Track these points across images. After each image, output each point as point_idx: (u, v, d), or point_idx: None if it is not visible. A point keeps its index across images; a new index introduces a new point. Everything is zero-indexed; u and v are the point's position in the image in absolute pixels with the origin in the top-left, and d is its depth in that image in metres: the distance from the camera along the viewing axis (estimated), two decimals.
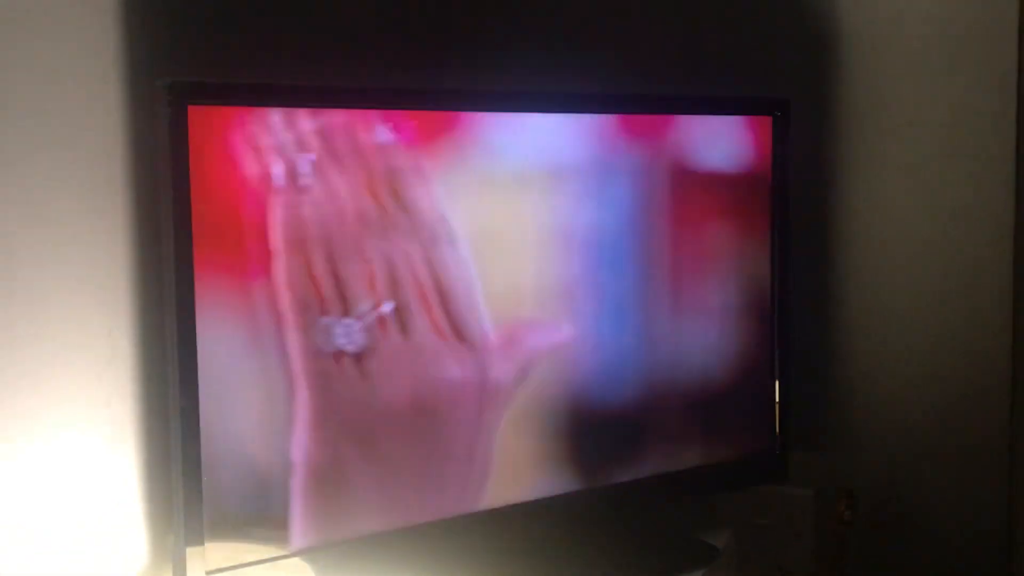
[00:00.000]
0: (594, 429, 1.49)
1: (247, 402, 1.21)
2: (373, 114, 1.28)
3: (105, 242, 1.19)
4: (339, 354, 1.26)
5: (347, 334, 1.26)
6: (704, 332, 1.59)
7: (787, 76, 1.76)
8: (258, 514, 1.23)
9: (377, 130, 1.27)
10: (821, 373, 1.82)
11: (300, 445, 1.25)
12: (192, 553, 1.18)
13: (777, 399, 1.67)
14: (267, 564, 1.23)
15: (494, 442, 1.39)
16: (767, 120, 1.63)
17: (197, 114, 1.15)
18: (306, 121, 1.22)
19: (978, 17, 1.73)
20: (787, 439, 1.67)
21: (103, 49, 1.18)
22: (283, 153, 1.21)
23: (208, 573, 1.19)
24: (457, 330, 1.34)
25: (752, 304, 1.64)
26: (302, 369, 1.24)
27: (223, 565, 1.20)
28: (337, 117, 1.24)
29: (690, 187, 1.57)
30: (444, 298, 1.32)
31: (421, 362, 1.32)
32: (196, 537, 1.18)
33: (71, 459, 1.17)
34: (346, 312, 1.26)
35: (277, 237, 1.21)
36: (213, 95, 1.17)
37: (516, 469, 1.42)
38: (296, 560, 1.25)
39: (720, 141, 1.61)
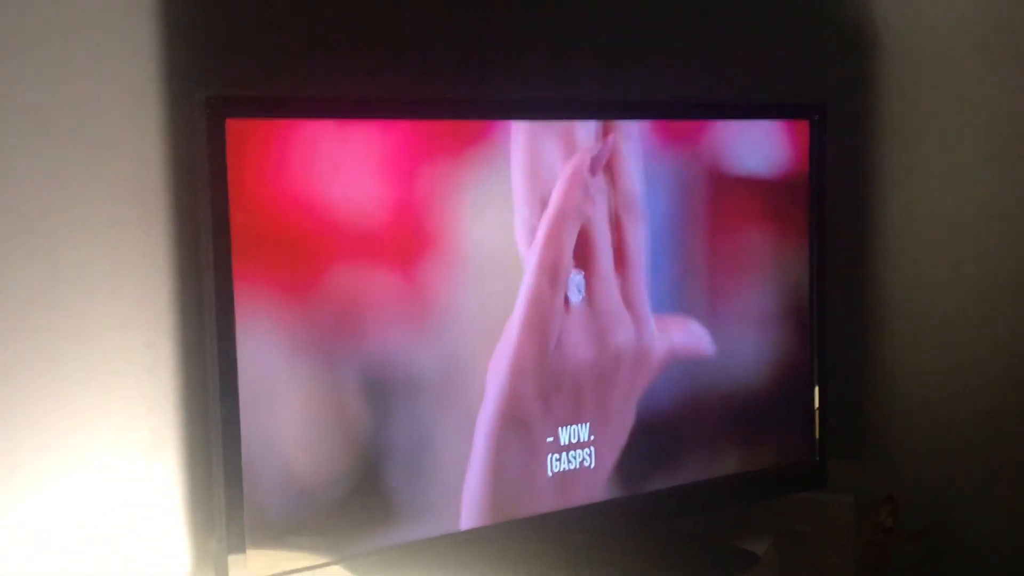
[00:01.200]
0: (636, 435, 1.49)
1: (289, 410, 1.23)
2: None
3: (145, 252, 1.21)
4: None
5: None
6: (743, 339, 1.59)
7: (825, 80, 1.75)
8: (300, 521, 1.24)
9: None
10: (861, 380, 1.81)
11: (344, 454, 1.26)
12: (234, 561, 1.19)
13: (816, 405, 1.66)
14: (309, 571, 1.24)
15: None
16: (805, 124, 1.62)
17: (235, 127, 1.16)
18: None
19: (1018, 18, 1.72)
20: (826, 446, 1.66)
21: (143, 61, 1.20)
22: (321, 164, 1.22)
23: None
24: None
25: (790, 310, 1.64)
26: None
27: (265, 572, 1.21)
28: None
29: (727, 193, 1.57)
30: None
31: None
32: (238, 544, 1.19)
33: (113, 467, 1.19)
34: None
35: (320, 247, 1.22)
36: (251, 108, 1.18)
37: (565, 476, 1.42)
38: (338, 567, 1.26)
39: (758, 146, 1.61)
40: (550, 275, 1.36)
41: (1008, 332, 1.73)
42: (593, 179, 1.38)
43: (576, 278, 1.39)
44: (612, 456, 1.46)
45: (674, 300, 1.52)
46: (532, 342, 1.36)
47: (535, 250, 1.35)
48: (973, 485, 1.75)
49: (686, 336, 1.51)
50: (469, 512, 1.35)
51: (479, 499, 1.35)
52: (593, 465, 1.45)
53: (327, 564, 1.25)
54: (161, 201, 1.22)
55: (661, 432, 1.51)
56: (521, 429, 1.37)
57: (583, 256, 1.40)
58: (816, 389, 1.66)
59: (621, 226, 1.43)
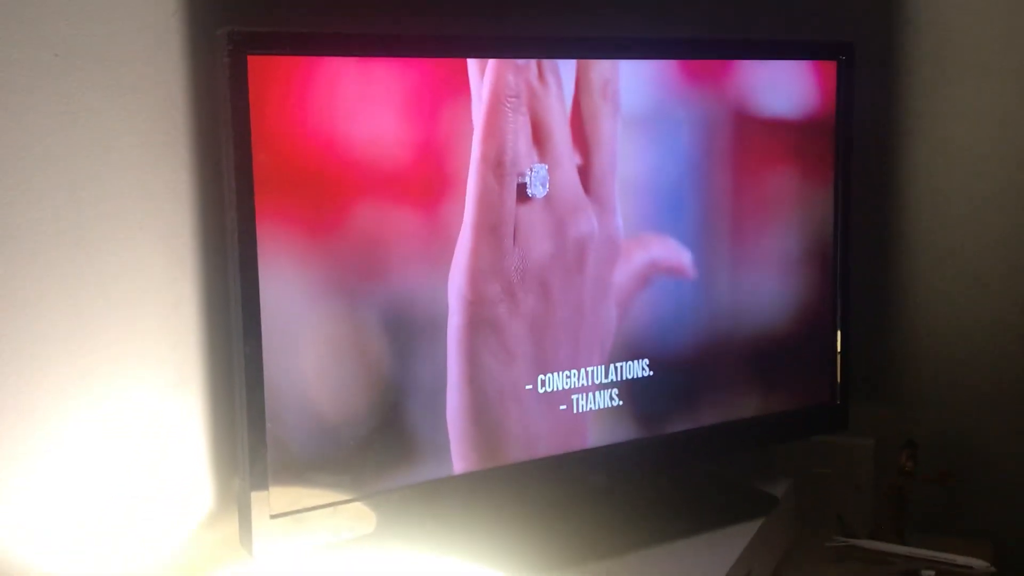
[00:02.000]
0: (657, 376, 1.49)
1: (311, 348, 1.23)
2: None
3: (168, 190, 1.21)
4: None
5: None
6: (766, 281, 1.58)
7: (852, 20, 1.72)
8: (322, 459, 1.24)
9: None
10: (884, 324, 1.80)
11: (364, 390, 1.26)
12: (257, 497, 1.20)
13: (839, 349, 1.65)
14: (331, 508, 1.25)
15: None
16: (831, 65, 1.60)
17: (257, 63, 1.15)
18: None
19: None
20: (848, 389, 1.66)
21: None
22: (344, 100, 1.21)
23: (273, 517, 1.21)
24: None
25: (814, 254, 1.62)
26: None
27: (288, 509, 1.22)
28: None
29: (752, 134, 1.55)
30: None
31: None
32: (261, 481, 1.20)
33: (136, 404, 1.19)
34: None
35: (341, 186, 1.22)
36: (273, 44, 1.17)
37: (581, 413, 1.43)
38: (359, 504, 1.27)
39: (783, 86, 1.59)
40: (494, 168, 1.31)
41: None
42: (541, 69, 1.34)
43: (539, 170, 1.35)
44: (601, 358, 1.45)
45: (696, 242, 1.51)
46: (487, 242, 1.32)
47: (476, 143, 1.30)
48: (994, 430, 1.75)
49: (665, 250, 1.48)
50: (460, 440, 1.35)
51: (467, 422, 1.35)
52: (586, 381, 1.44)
53: (349, 501, 1.26)
54: (184, 138, 1.22)
55: (682, 372, 1.51)
56: (493, 337, 1.35)
57: (542, 147, 1.36)
58: (839, 332, 1.65)
59: (581, 115, 1.38)
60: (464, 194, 1.30)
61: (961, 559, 1.56)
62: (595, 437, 1.44)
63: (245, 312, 1.17)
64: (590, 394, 1.43)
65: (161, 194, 1.20)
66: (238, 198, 1.16)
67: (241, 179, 1.16)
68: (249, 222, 1.16)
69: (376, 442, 1.27)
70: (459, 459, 1.33)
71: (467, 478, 1.35)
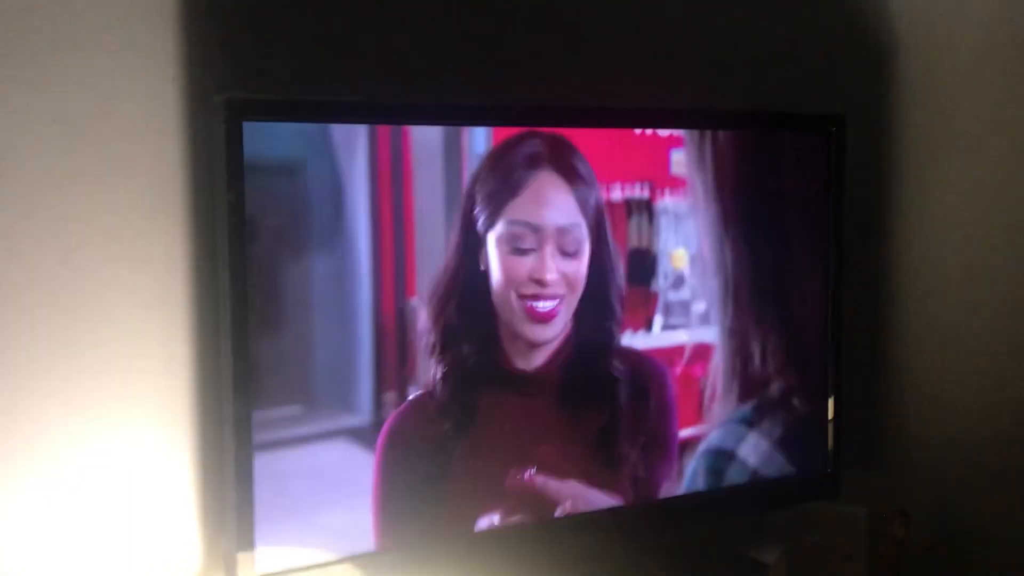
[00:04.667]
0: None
1: (299, 408, 1.24)
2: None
3: (162, 253, 1.23)
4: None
5: None
6: (759, 349, 1.59)
7: (843, 92, 1.75)
8: (310, 520, 1.25)
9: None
10: (877, 392, 1.80)
11: (353, 458, 1.27)
12: (243, 558, 1.21)
13: (831, 416, 1.66)
14: (319, 569, 1.25)
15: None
16: (823, 136, 1.62)
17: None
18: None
19: None
20: (840, 457, 1.66)
21: (161, 65, 1.22)
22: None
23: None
24: None
25: (807, 321, 1.63)
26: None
27: (273, 570, 1.23)
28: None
29: (745, 205, 1.57)
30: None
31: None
32: (246, 542, 1.21)
33: (127, 464, 1.21)
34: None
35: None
36: (268, 111, 1.20)
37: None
38: (346, 566, 1.27)
39: (775, 158, 1.61)
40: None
41: None
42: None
43: None
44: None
45: (688, 312, 1.52)
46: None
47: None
48: (986, 498, 1.74)
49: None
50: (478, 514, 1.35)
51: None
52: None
53: (336, 562, 1.26)
54: (179, 202, 1.24)
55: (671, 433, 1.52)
56: None
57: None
58: (831, 400, 1.66)
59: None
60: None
61: None
62: (588, 501, 1.45)
63: (236, 374, 1.19)
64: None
65: (155, 257, 1.22)
66: (231, 262, 1.18)
67: (235, 244, 1.18)
68: (241, 285, 1.18)
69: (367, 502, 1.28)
70: (451, 524, 1.34)
71: (459, 540, 1.35)
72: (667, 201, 1.51)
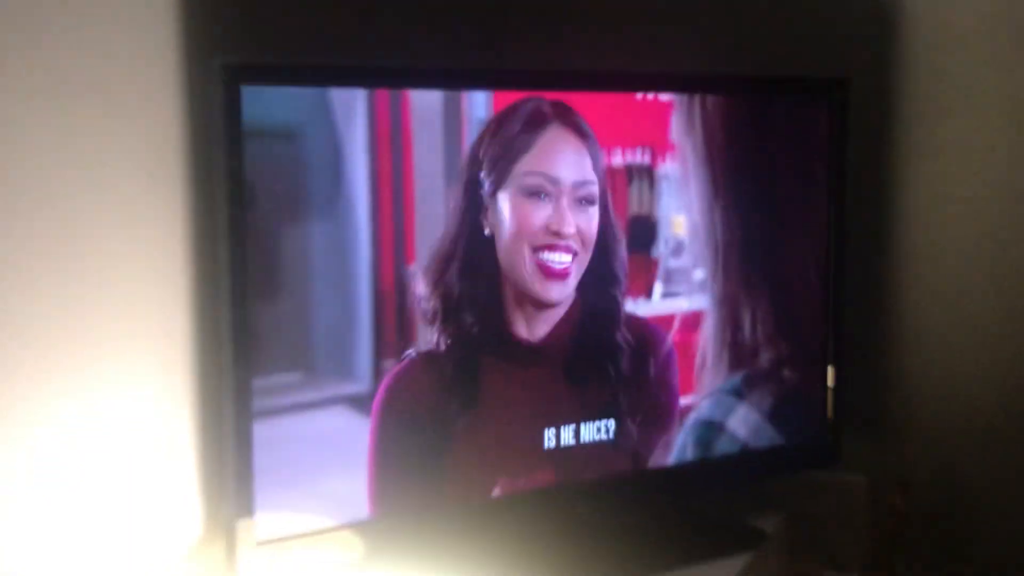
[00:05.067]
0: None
1: (298, 375, 1.24)
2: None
3: (161, 215, 1.22)
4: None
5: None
6: (759, 316, 1.59)
7: (847, 56, 1.73)
8: (309, 487, 1.25)
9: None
10: (878, 360, 1.80)
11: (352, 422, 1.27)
12: (242, 524, 1.21)
13: (831, 384, 1.65)
14: (318, 535, 1.25)
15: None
16: (826, 101, 1.61)
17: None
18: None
19: None
20: (840, 425, 1.66)
21: (161, 29, 1.20)
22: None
23: (259, 544, 1.22)
24: None
25: (808, 289, 1.63)
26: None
27: (274, 536, 1.23)
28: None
29: (747, 169, 1.56)
30: None
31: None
32: (246, 509, 1.21)
33: (128, 432, 1.20)
34: None
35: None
36: (266, 76, 1.19)
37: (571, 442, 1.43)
38: (347, 532, 1.28)
39: (778, 122, 1.60)
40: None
41: None
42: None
43: None
44: None
45: (691, 279, 1.52)
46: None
47: None
48: (987, 470, 1.74)
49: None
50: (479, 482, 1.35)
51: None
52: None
53: (337, 529, 1.27)
54: (178, 163, 1.23)
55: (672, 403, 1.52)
56: None
57: None
58: (831, 368, 1.65)
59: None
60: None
61: None
62: (585, 470, 1.45)
63: (235, 340, 1.19)
64: (582, 426, 1.44)
65: (154, 223, 1.21)
66: (229, 228, 1.17)
67: (233, 210, 1.17)
68: (240, 251, 1.18)
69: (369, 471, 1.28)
70: (450, 486, 1.34)
71: (456, 509, 1.35)
72: (668, 167, 1.50)
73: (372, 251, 1.26)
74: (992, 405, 1.73)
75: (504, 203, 1.34)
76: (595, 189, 1.39)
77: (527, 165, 1.35)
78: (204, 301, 1.25)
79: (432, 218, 1.31)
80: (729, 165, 1.54)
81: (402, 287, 1.29)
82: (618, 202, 1.44)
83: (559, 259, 1.37)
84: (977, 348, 1.74)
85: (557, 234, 1.36)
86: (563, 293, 1.39)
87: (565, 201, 1.36)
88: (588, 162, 1.39)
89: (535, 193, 1.35)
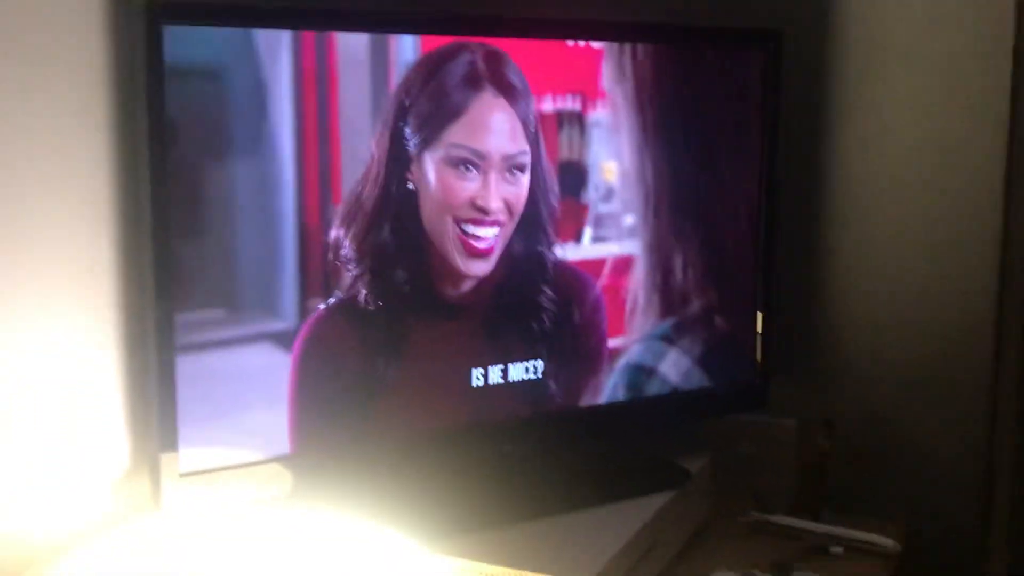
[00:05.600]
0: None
1: (222, 312, 1.26)
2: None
3: (85, 157, 1.22)
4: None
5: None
6: (690, 263, 1.61)
7: (781, 7, 1.75)
8: (234, 422, 1.28)
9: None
10: (806, 306, 1.84)
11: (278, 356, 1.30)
12: (166, 458, 1.23)
13: (760, 329, 1.69)
14: (242, 469, 1.28)
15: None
16: (760, 52, 1.63)
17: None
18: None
19: None
20: (768, 369, 1.70)
21: None
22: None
23: (182, 475, 1.24)
24: None
25: (739, 235, 1.66)
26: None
27: (196, 469, 1.25)
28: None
29: (680, 118, 1.58)
30: None
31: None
32: (170, 441, 1.23)
33: (53, 366, 1.22)
34: None
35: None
36: (189, 15, 1.20)
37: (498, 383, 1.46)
38: (273, 466, 1.30)
39: (712, 72, 1.62)
40: None
41: (955, 262, 1.75)
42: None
43: None
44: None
45: (623, 224, 1.54)
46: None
47: None
48: (912, 412, 1.79)
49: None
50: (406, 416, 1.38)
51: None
52: None
53: (261, 463, 1.29)
54: (102, 104, 1.24)
55: (601, 345, 1.55)
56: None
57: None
58: (760, 313, 1.69)
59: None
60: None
61: (869, 537, 1.60)
62: (514, 408, 1.48)
63: (158, 276, 1.21)
64: (510, 367, 1.47)
65: (78, 160, 1.22)
66: (152, 165, 1.19)
67: (156, 148, 1.19)
68: (163, 189, 1.19)
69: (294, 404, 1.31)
70: (375, 424, 1.37)
71: (380, 445, 1.38)
72: (600, 113, 1.51)
73: (297, 190, 1.28)
74: (914, 351, 1.77)
75: (429, 167, 1.34)
76: (526, 159, 1.40)
77: (455, 135, 1.34)
78: (128, 238, 1.26)
79: (359, 160, 1.32)
80: (661, 113, 1.56)
81: (328, 226, 1.31)
82: (549, 149, 1.46)
83: (483, 234, 1.38)
84: (904, 295, 1.78)
85: (483, 210, 1.36)
86: (486, 268, 1.41)
87: (493, 175, 1.36)
88: (520, 130, 1.39)
89: (462, 167, 1.35)
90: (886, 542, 1.59)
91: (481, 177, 1.36)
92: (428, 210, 1.36)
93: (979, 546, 1.80)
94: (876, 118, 1.76)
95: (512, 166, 1.38)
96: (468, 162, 1.35)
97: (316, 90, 1.29)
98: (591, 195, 1.52)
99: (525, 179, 1.41)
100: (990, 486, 1.79)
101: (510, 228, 1.41)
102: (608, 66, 1.51)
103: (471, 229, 1.37)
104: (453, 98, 1.34)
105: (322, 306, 1.32)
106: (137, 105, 1.20)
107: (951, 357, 1.75)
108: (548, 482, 1.52)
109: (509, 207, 1.39)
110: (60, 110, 1.20)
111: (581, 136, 1.50)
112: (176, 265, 1.21)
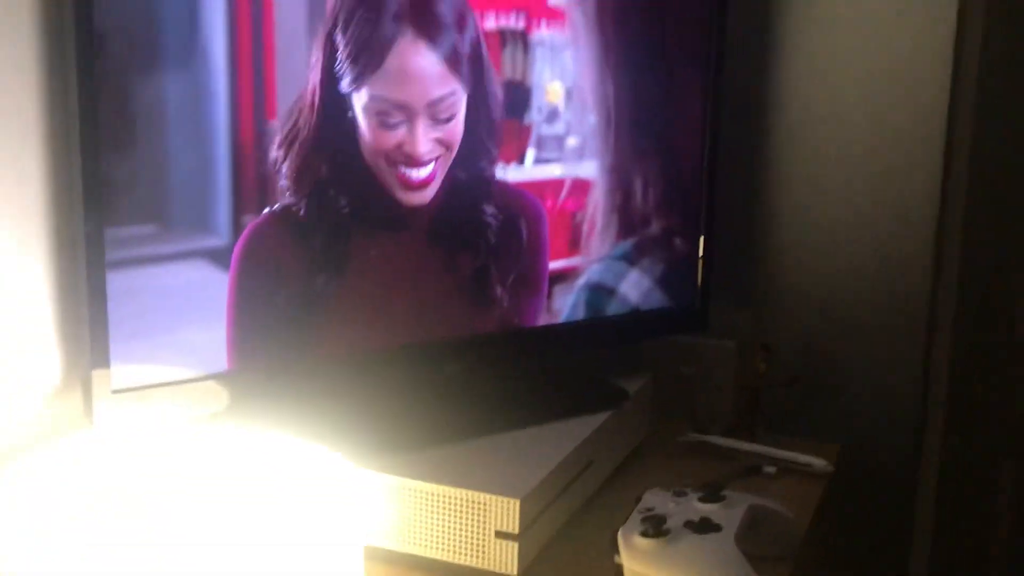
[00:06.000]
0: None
1: (154, 227, 1.24)
2: None
3: (11, 68, 1.20)
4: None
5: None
6: (633, 185, 1.61)
7: None
8: (167, 338, 1.27)
9: None
10: (749, 232, 1.85)
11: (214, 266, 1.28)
12: (98, 374, 1.22)
13: (701, 253, 1.70)
14: (176, 386, 1.28)
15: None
16: None
17: None
18: None
19: None
20: (708, 291, 1.71)
21: None
22: None
23: (114, 392, 1.24)
24: None
25: (681, 159, 1.66)
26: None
27: (128, 386, 1.24)
28: None
29: (625, 37, 1.57)
30: None
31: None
32: (102, 358, 1.22)
33: None
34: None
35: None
36: None
37: (440, 299, 1.46)
38: (207, 383, 1.30)
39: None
40: None
41: (895, 191, 1.76)
42: None
43: None
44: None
45: (564, 144, 1.54)
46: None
47: None
48: (847, 337, 1.82)
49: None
50: (347, 335, 1.38)
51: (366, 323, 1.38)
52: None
53: (194, 380, 1.29)
54: (27, 15, 1.21)
55: (543, 266, 1.55)
56: None
57: None
58: (702, 237, 1.69)
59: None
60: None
61: (803, 458, 1.63)
62: (454, 327, 1.48)
63: (87, 191, 1.18)
64: (450, 286, 1.47)
65: (3, 71, 1.19)
66: (79, 77, 1.16)
67: (83, 59, 1.16)
68: (91, 101, 1.17)
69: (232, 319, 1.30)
70: (314, 342, 1.37)
71: (319, 364, 1.38)
72: (543, 33, 1.50)
73: (230, 103, 1.26)
74: (853, 280, 1.80)
75: (359, 110, 1.32)
76: (455, 97, 1.37)
77: (377, 86, 1.31)
78: (57, 150, 1.24)
79: (295, 75, 1.30)
80: (614, 31, 1.55)
81: (262, 141, 1.29)
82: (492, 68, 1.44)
83: (418, 173, 1.37)
84: (844, 224, 1.79)
85: (412, 156, 1.35)
86: (426, 197, 1.40)
87: (420, 123, 1.34)
88: (447, 69, 1.36)
89: (385, 120, 1.32)
90: (818, 463, 1.61)
91: (406, 125, 1.34)
92: (364, 145, 1.34)
93: (911, 470, 1.84)
94: (819, 43, 1.76)
95: (441, 108, 1.36)
96: (390, 113, 1.33)
97: (251, 1, 1.26)
98: (534, 117, 1.51)
99: (457, 120, 1.39)
100: (923, 413, 1.83)
101: (449, 156, 1.40)
102: None
103: (404, 170, 1.36)
104: (372, 46, 1.30)
105: (260, 216, 1.30)
106: (65, 16, 1.17)
107: (890, 287, 1.78)
108: (487, 402, 1.53)
109: (444, 143, 1.38)
110: None
111: (524, 56, 1.49)
112: (105, 180, 1.19)
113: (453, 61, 1.37)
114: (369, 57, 1.31)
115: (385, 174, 1.36)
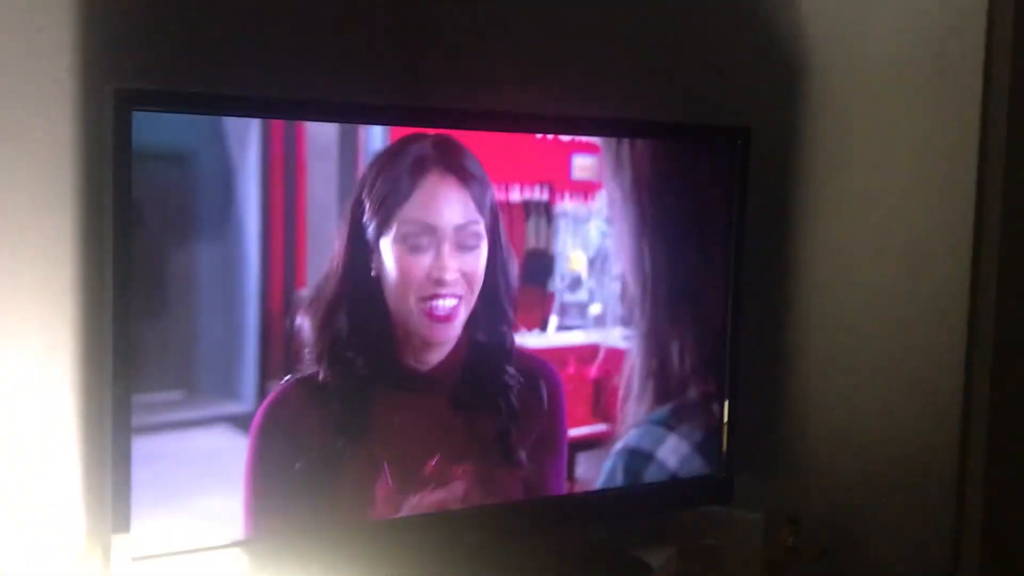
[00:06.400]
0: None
1: (181, 393, 1.26)
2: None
3: (50, 239, 1.24)
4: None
5: None
6: (656, 355, 1.62)
7: (753, 105, 1.78)
8: (188, 505, 1.27)
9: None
10: (774, 401, 1.84)
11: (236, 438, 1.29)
12: (118, 540, 1.22)
13: (726, 420, 1.69)
14: (193, 554, 1.27)
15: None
16: (729, 147, 1.65)
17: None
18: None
19: (943, 54, 1.75)
20: (734, 461, 1.69)
21: (56, 55, 1.23)
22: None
23: (135, 560, 1.23)
24: None
25: (705, 328, 1.67)
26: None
27: (149, 553, 1.24)
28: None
29: (648, 212, 1.60)
30: None
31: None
32: (122, 524, 1.22)
33: (12, 448, 1.22)
34: None
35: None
36: (158, 102, 1.22)
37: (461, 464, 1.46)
38: (227, 551, 1.29)
39: (681, 167, 1.64)
40: None
41: (921, 363, 1.76)
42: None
43: None
44: None
45: (585, 314, 1.55)
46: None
47: None
48: (879, 510, 1.78)
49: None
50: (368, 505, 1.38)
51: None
52: None
53: (216, 548, 1.28)
54: (70, 189, 1.26)
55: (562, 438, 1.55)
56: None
57: None
58: (726, 405, 1.69)
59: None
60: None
61: None
62: (472, 497, 1.47)
63: (117, 357, 1.21)
64: (470, 454, 1.46)
65: (42, 242, 1.24)
66: (115, 246, 1.20)
67: (120, 230, 1.20)
68: (125, 270, 1.20)
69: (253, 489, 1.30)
70: (328, 513, 1.36)
71: (337, 532, 1.37)
72: (567, 204, 1.53)
73: (261, 274, 1.29)
74: (884, 447, 1.78)
75: (387, 251, 1.37)
76: (479, 228, 1.42)
77: (407, 213, 1.37)
78: (89, 318, 1.27)
79: (324, 246, 1.34)
80: (648, 204, 1.58)
81: (291, 310, 1.32)
82: (514, 238, 1.47)
83: (442, 306, 1.41)
84: (871, 395, 1.79)
85: (440, 282, 1.39)
86: (450, 334, 1.43)
87: (446, 248, 1.39)
88: (471, 203, 1.42)
89: (414, 244, 1.38)
90: None
91: (434, 249, 1.39)
92: (391, 291, 1.37)
93: None
94: (842, 214, 1.79)
95: (466, 237, 1.41)
96: (420, 237, 1.37)
97: (284, 175, 1.31)
98: (556, 284, 1.53)
99: (481, 251, 1.43)
100: None
101: (471, 298, 1.43)
102: (579, 158, 1.53)
103: (432, 303, 1.39)
104: (403, 183, 1.38)
105: (282, 384, 1.31)
106: (104, 187, 1.22)
107: (917, 457, 1.76)
108: (509, 573, 1.50)
109: (467, 277, 1.42)
110: (26, 191, 1.22)
111: (548, 226, 1.52)
112: (136, 346, 1.21)
113: (478, 200, 1.42)
114: (398, 195, 1.37)
115: (413, 317, 1.39)
